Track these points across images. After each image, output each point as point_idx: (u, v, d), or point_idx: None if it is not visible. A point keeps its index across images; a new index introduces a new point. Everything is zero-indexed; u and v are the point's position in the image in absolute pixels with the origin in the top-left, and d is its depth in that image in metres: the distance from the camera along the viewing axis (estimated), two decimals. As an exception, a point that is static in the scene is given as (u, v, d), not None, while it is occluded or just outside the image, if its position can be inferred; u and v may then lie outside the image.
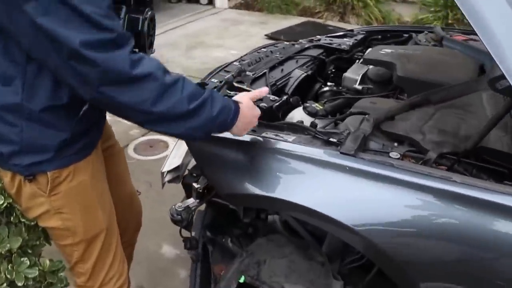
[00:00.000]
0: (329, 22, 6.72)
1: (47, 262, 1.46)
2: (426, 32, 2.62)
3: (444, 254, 1.18)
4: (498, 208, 1.11)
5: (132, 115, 1.14)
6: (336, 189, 1.25)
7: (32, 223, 1.41)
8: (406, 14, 6.76)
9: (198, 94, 1.16)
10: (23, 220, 1.40)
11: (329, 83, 2.19)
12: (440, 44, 2.39)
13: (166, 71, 1.14)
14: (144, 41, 1.49)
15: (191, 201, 1.69)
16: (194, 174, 1.78)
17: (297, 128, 1.46)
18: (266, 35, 6.34)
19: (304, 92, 2.15)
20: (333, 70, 2.42)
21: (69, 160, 1.33)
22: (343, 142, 1.30)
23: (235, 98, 1.34)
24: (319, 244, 1.70)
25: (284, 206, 1.31)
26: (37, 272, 1.38)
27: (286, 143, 1.35)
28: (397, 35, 2.72)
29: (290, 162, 1.31)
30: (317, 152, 1.29)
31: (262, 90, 1.45)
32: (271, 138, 1.40)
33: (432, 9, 6.25)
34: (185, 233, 1.81)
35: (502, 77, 1.12)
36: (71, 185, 1.35)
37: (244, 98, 1.34)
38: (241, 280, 1.61)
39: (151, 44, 1.58)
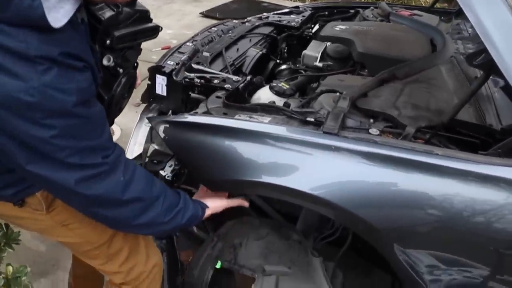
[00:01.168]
0: (263, -1, 6.69)
1: (10, 268, 1.34)
2: (372, 7, 2.67)
3: (426, 222, 1.21)
4: (477, 176, 1.15)
5: (112, 224, 1.21)
6: (323, 170, 1.23)
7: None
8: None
9: (174, 205, 1.24)
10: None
11: (284, 64, 2.18)
12: (387, 19, 2.44)
13: (153, 184, 1.21)
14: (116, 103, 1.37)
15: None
16: (155, 161, 1.71)
17: (271, 109, 1.42)
18: (201, 13, 6.19)
19: (260, 71, 2.13)
20: (285, 47, 2.41)
21: None
22: (325, 122, 1.28)
23: (210, 203, 1.40)
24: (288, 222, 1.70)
25: (271, 190, 1.28)
26: (2, 281, 1.27)
27: (265, 125, 1.31)
28: (344, 11, 2.75)
29: (273, 144, 1.27)
30: (299, 133, 1.27)
31: (242, 203, 1.50)
32: (247, 121, 1.36)
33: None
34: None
35: (479, 53, 1.16)
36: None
37: (216, 206, 1.42)
38: (218, 265, 1.57)
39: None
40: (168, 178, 1.58)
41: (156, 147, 1.74)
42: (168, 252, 1.90)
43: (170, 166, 1.60)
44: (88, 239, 1.34)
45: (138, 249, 1.44)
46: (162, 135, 1.43)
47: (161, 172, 1.60)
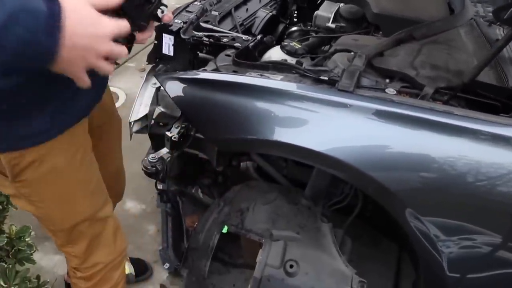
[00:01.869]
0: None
1: (14, 228, 1.31)
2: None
3: (441, 186, 1.15)
4: (499, 138, 1.09)
5: None
6: (336, 128, 1.18)
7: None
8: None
9: None
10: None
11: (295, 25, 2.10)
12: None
13: None
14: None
15: (164, 151, 1.57)
16: (161, 123, 1.67)
17: (283, 67, 1.36)
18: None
19: (269, 33, 2.06)
20: (295, 10, 2.33)
21: (28, 141, 1.05)
22: (340, 79, 1.23)
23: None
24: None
25: (283, 149, 1.23)
26: (5, 240, 1.23)
27: (279, 82, 1.26)
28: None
29: (286, 102, 1.22)
30: (313, 90, 1.22)
31: None
32: (258, 78, 1.30)
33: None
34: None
35: (508, 7, 1.09)
36: (39, 172, 1.10)
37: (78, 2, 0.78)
38: (224, 230, 1.54)
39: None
40: (175, 139, 1.53)
41: (162, 109, 1.69)
42: (173, 217, 1.88)
43: (176, 128, 1.55)
44: (50, 220, 1.26)
45: (101, 241, 1.37)
46: (170, 93, 1.37)
47: (168, 133, 1.55)
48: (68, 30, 0.74)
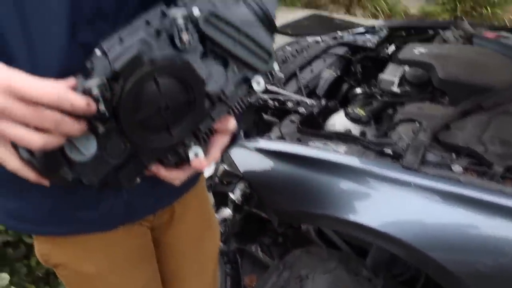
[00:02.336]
0: (335, 15, 6.61)
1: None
2: (453, 28, 2.54)
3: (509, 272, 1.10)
4: None
5: None
6: (399, 206, 1.16)
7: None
8: (413, 6, 6.67)
9: None
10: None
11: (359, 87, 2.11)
12: (470, 42, 2.31)
13: None
14: None
15: (227, 212, 1.60)
16: (225, 182, 1.70)
17: (347, 138, 1.37)
18: (273, 29, 6.22)
19: (333, 93, 2.08)
20: (360, 69, 2.35)
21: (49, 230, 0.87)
22: (404, 155, 1.22)
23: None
24: (357, 255, 1.63)
25: (345, 225, 1.22)
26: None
27: (342, 156, 1.26)
28: (421, 32, 2.64)
29: (348, 177, 1.22)
30: (377, 166, 1.21)
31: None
32: (322, 150, 1.31)
33: (440, 1, 6.15)
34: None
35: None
36: (65, 276, 0.97)
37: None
38: (283, 296, 1.53)
39: None
40: (238, 202, 1.56)
41: (226, 167, 1.73)
42: (232, 276, 1.89)
43: (240, 189, 1.58)
44: None
45: None
46: (233, 157, 1.41)
47: (231, 195, 1.59)
48: None
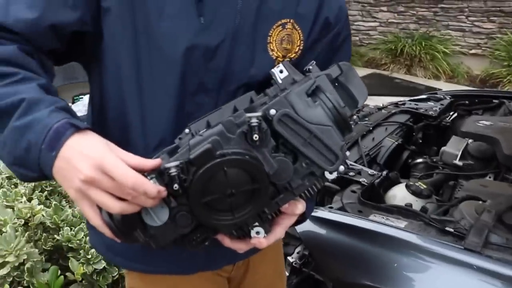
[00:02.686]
0: (395, 75, 6.64)
1: None
2: (520, 99, 2.53)
3: None
4: None
5: None
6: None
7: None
8: (476, 67, 6.59)
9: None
10: None
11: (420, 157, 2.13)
12: (538, 114, 2.29)
13: None
14: None
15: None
16: (283, 242, 1.74)
17: (408, 213, 1.40)
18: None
19: (394, 161, 2.11)
20: (421, 137, 2.37)
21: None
22: (467, 236, 1.23)
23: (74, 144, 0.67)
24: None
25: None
26: None
27: (403, 232, 1.29)
28: (486, 101, 2.63)
29: (409, 254, 1.24)
30: (438, 245, 1.23)
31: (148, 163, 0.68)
32: (383, 224, 1.34)
33: (506, 63, 6.05)
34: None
35: None
36: None
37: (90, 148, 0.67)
38: None
39: None
40: (296, 265, 1.60)
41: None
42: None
43: (298, 253, 1.62)
44: None
45: None
46: (296, 227, 1.46)
47: (289, 258, 1.62)
48: (62, 157, 0.66)
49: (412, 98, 2.77)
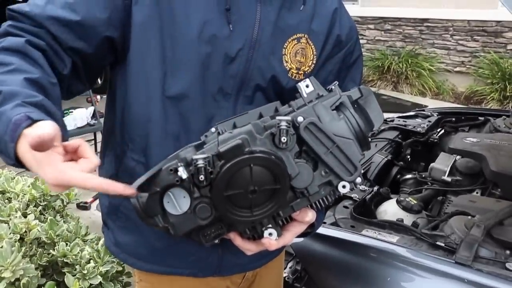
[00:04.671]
0: (382, 91, 6.75)
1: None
2: (504, 117, 2.59)
3: None
4: None
5: None
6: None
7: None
8: (461, 85, 6.73)
9: None
10: None
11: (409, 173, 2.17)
12: (523, 131, 2.34)
13: None
14: None
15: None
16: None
17: (399, 228, 1.43)
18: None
19: (384, 177, 2.14)
20: (410, 154, 2.41)
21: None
22: (457, 250, 1.26)
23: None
24: None
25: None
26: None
27: (396, 246, 1.32)
28: (472, 118, 2.70)
29: (401, 268, 1.28)
30: (429, 259, 1.26)
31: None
32: (376, 238, 1.38)
33: (489, 81, 6.19)
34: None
35: None
36: None
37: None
38: None
39: None
40: (288, 280, 1.61)
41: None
42: None
43: (290, 267, 1.64)
44: None
45: None
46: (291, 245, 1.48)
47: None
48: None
49: (400, 115, 2.83)
